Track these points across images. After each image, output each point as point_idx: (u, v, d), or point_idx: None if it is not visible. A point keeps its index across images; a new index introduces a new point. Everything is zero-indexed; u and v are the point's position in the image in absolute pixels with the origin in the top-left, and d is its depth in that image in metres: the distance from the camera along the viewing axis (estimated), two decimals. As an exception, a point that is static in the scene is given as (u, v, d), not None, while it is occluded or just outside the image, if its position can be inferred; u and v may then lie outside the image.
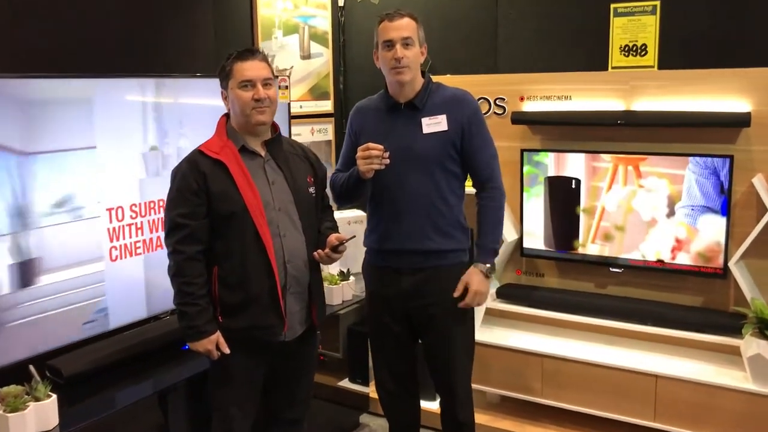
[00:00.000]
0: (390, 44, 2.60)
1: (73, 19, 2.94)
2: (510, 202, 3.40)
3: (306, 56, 4.02)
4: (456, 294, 2.69)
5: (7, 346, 2.44)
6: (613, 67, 3.53)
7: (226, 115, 2.50)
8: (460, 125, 2.66)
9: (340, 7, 4.22)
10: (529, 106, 3.57)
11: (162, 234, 2.65)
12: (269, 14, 3.75)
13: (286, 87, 3.54)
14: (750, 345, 2.99)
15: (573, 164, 3.42)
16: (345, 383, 3.86)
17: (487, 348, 3.43)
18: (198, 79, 3.04)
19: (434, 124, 2.68)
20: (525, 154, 3.51)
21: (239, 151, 2.42)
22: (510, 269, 3.73)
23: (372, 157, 2.55)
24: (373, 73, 3.88)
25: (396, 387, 2.90)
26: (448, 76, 3.79)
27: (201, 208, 2.37)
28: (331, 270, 3.77)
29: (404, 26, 2.61)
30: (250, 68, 2.40)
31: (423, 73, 2.73)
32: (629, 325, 3.27)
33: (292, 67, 3.90)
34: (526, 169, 3.51)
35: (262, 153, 2.48)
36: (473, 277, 2.68)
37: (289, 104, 3.56)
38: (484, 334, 3.50)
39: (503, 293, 3.60)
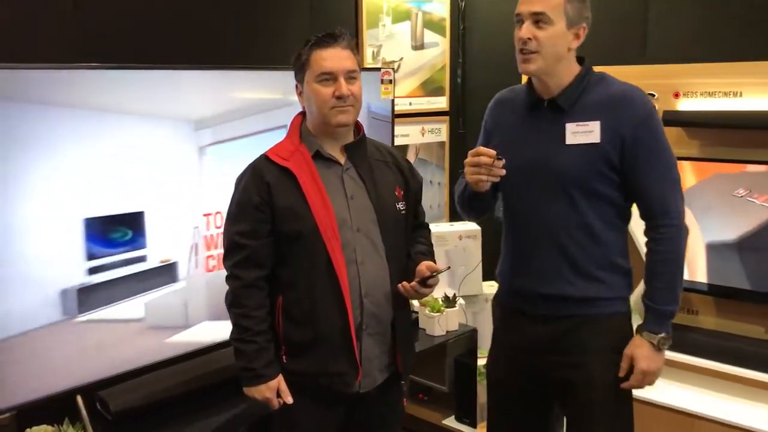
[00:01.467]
0: (519, 20, 1.96)
1: (162, 9, 2.63)
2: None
3: (419, 46, 3.53)
4: (621, 374, 2.02)
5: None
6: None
7: (302, 114, 2.06)
8: (619, 136, 1.96)
9: (461, -10, 3.70)
10: (685, 105, 2.90)
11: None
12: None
13: (390, 81, 3.07)
14: None
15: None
16: (450, 421, 3.36)
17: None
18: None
19: (582, 132, 1.98)
20: (678, 163, 2.85)
21: (313, 157, 1.98)
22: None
23: (481, 165, 1.98)
24: (498, 65, 3.36)
25: None
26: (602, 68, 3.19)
27: (264, 226, 1.95)
28: (434, 293, 3.28)
29: None
30: (331, 57, 1.94)
31: (581, 61, 2.04)
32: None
33: (401, 59, 3.43)
34: (679, 181, 2.85)
35: (341, 160, 2.03)
36: (638, 350, 2.00)
37: (392, 101, 3.10)
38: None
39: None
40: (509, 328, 2.20)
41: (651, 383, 2.04)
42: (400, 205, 2.09)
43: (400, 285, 2.02)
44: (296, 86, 2.02)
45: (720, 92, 2.80)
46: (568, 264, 2.03)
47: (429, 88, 3.61)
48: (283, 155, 1.97)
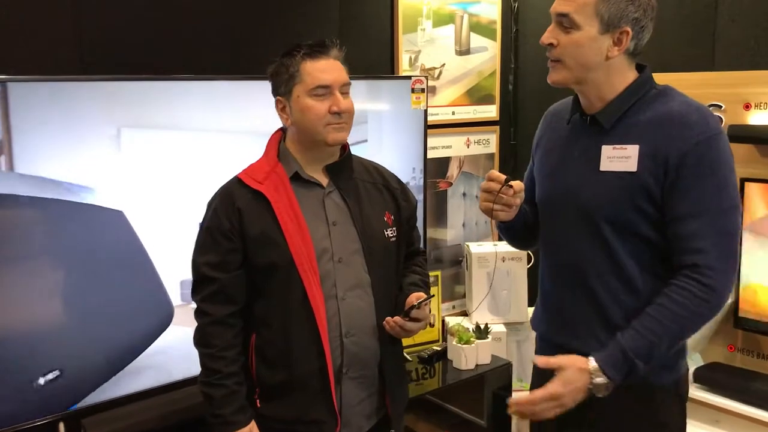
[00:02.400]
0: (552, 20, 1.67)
1: (185, 19, 2.50)
2: None
3: (464, 51, 3.26)
4: (539, 362, 1.64)
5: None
6: None
7: (281, 130, 1.86)
8: (662, 166, 1.60)
9: (514, -11, 3.41)
10: (757, 118, 2.52)
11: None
12: (416, 2, 3.05)
13: (422, 90, 2.83)
14: None
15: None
16: (489, 457, 3.10)
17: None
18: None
19: (618, 158, 1.65)
20: (747, 185, 2.47)
21: (291, 179, 1.78)
22: (720, 342, 2.70)
23: (491, 191, 1.72)
24: None
25: None
26: (663, 75, 2.84)
27: (234, 257, 1.76)
28: (465, 322, 3.02)
29: None
30: (327, 69, 1.75)
31: (641, 69, 1.70)
32: None
33: (443, 65, 3.17)
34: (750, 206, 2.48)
35: (324, 182, 1.82)
36: (571, 372, 1.58)
37: (425, 111, 2.86)
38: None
39: (705, 377, 2.58)
40: (540, 379, 1.75)
41: (548, 414, 1.58)
42: (389, 232, 1.86)
43: (384, 321, 1.80)
44: (277, 101, 1.80)
45: (798, 104, 2.41)
46: (598, 315, 1.70)
47: (476, 96, 3.33)
48: (258, 177, 1.77)
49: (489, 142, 3.43)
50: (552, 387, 1.56)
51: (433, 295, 1.87)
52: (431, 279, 2.93)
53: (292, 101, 1.75)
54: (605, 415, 1.69)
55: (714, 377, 2.58)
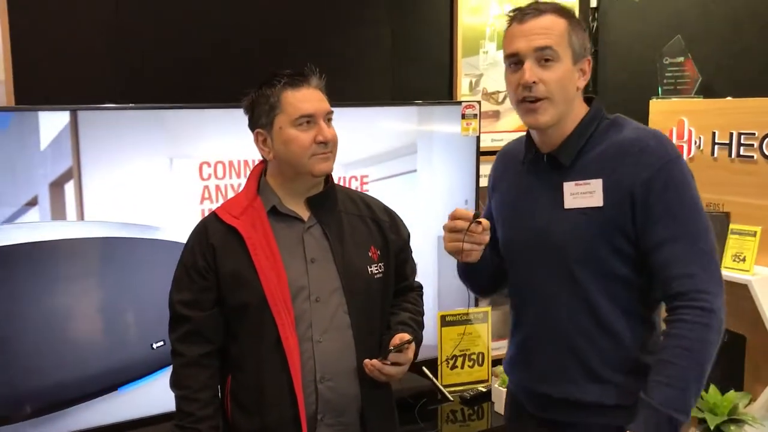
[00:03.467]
0: (516, 60, 1.55)
1: (237, 49, 2.55)
2: None
3: (533, 75, 3.09)
4: None
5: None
6: None
7: (263, 162, 1.79)
8: (628, 197, 1.52)
9: (593, 8, 3.19)
10: None
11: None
12: (477, 23, 2.93)
13: (474, 116, 2.70)
14: None
15: None
16: None
17: None
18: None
19: (582, 194, 1.57)
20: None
21: (270, 213, 1.71)
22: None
23: (458, 230, 1.61)
24: (635, 93, 2.86)
25: None
26: (728, 99, 2.58)
27: (208, 295, 1.71)
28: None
29: (541, 29, 1.53)
30: (309, 99, 1.68)
31: (589, 101, 1.63)
32: None
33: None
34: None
35: (305, 216, 1.74)
36: None
37: (478, 138, 2.72)
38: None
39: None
40: (511, 418, 1.82)
41: None
42: (375, 268, 1.75)
43: (365, 365, 1.69)
44: (257, 134, 1.72)
45: None
46: (576, 362, 1.59)
47: (548, 122, 3.14)
48: (234, 212, 1.71)
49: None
50: None
51: (413, 339, 1.73)
52: (480, 314, 2.79)
53: (274, 133, 1.68)
54: None
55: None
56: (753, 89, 2.52)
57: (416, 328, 1.81)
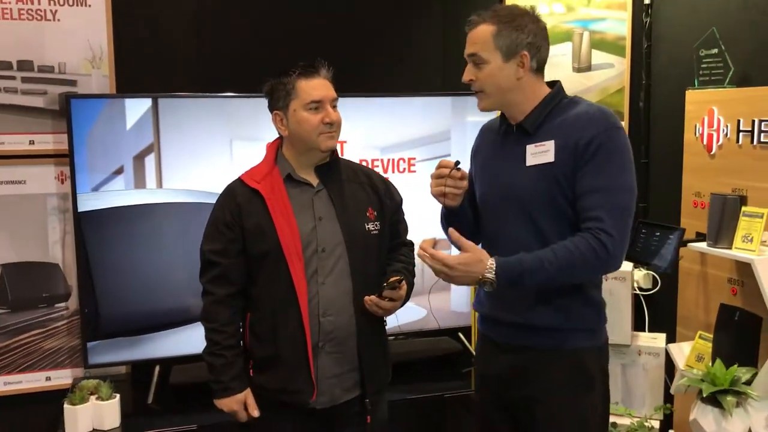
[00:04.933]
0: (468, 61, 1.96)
1: (295, 41, 2.98)
2: None
3: (583, 68, 3.26)
4: (452, 235, 1.88)
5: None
6: None
7: (280, 139, 2.16)
8: (572, 153, 1.87)
9: (646, 5, 3.30)
10: None
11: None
12: (526, 20, 3.16)
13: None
14: None
15: None
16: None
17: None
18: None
19: (539, 153, 1.92)
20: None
21: (285, 180, 2.09)
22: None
23: (443, 176, 1.98)
24: (682, 84, 2.99)
25: None
26: (754, 88, 2.66)
27: (234, 245, 2.08)
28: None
29: (473, 39, 1.94)
30: (318, 87, 2.06)
31: (553, 84, 1.99)
32: None
33: (558, 82, 3.21)
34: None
35: (314, 182, 2.10)
36: (474, 254, 1.84)
37: (514, 127, 2.96)
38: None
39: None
40: (481, 357, 2.15)
41: (436, 275, 1.86)
42: (371, 226, 2.11)
43: (365, 300, 2.05)
44: (275, 114, 2.10)
45: None
46: (534, 292, 1.93)
47: (599, 114, 3.30)
48: (256, 178, 2.09)
49: (615, 160, 3.36)
50: (453, 259, 1.83)
51: (402, 278, 2.05)
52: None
53: (289, 114, 2.05)
54: (543, 375, 1.94)
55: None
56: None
57: (407, 274, 2.15)
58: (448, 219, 2.09)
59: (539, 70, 1.95)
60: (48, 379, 2.82)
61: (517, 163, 1.95)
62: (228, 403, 2.08)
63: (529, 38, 1.90)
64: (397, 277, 2.03)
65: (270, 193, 2.06)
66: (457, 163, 1.96)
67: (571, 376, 1.93)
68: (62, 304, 2.81)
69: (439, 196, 2.00)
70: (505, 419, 2.07)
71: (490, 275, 1.82)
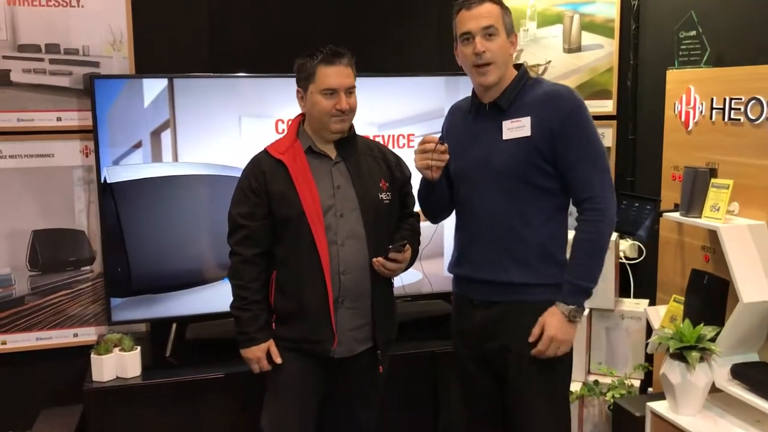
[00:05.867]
0: (468, 37, 2.16)
1: (298, 25, 3.22)
2: (758, 243, 2.51)
3: (573, 49, 3.45)
4: (531, 339, 2.16)
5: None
6: None
7: (302, 115, 2.38)
8: (548, 129, 2.13)
9: (634, -12, 3.47)
10: (811, 111, 2.42)
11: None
12: (518, 5, 3.35)
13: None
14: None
15: None
16: None
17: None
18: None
19: (516, 128, 2.15)
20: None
21: (306, 152, 2.31)
22: (777, 343, 2.61)
23: (427, 151, 2.20)
24: (665, 64, 3.16)
25: None
26: (726, 68, 2.83)
27: (261, 209, 2.30)
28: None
29: (484, 13, 2.14)
30: (335, 75, 2.25)
31: (518, 67, 2.23)
32: None
33: (548, 62, 3.42)
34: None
35: (332, 155, 2.33)
36: (550, 318, 2.16)
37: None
38: (699, 422, 2.54)
39: (743, 374, 2.54)
40: (458, 314, 2.39)
41: (559, 352, 2.17)
42: (384, 195, 2.33)
43: (373, 261, 2.27)
44: (298, 91, 2.30)
45: None
46: (506, 252, 2.18)
47: (589, 91, 3.50)
48: (280, 150, 2.30)
49: (604, 137, 3.54)
50: (548, 337, 2.13)
51: (406, 242, 2.29)
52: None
53: (308, 95, 2.26)
54: (513, 326, 2.20)
55: (751, 375, 2.52)
56: (761, 57, 2.76)
57: (412, 240, 2.39)
58: (427, 191, 2.32)
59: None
60: (75, 335, 3.09)
61: (494, 137, 2.17)
62: (253, 352, 2.31)
63: (513, 22, 2.17)
64: (403, 242, 2.26)
65: (293, 163, 2.27)
66: (441, 138, 2.18)
67: (531, 326, 2.16)
68: (87, 268, 3.07)
69: (425, 169, 2.20)
70: (482, 370, 2.31)
71: (577, 315, 2.16)
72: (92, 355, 2.70)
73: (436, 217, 2.47)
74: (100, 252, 3.04)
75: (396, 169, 2.40)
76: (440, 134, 2.30)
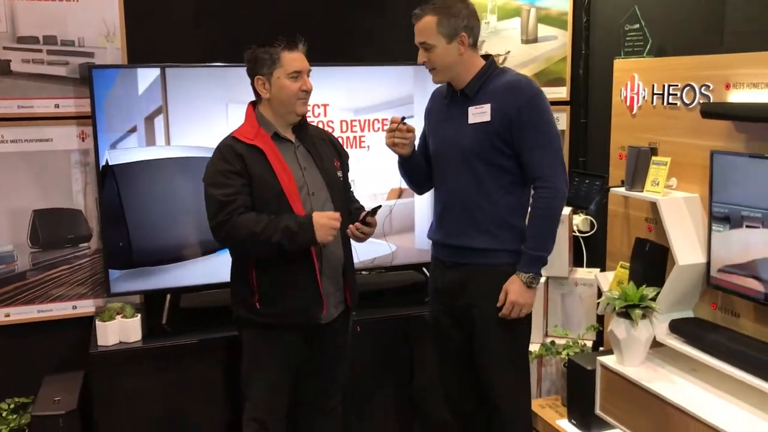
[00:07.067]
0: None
1: (271, 20, 3.47)
2: (692, 213, 2.83)
3: (530, 40, 3.76)
4: (498, 304, 2.47)
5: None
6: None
7: (253, 103, 2.53)
8: (507, 116, 2.43)
9: (586, -16, 3.80)
10: (736, 96, 2.75)
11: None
12: (480, -1, 3.65)
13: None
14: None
15: None
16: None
17: (639, 389, 2.81)
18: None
19: (479, 114, 2.45)
20: (716, 156, 2.73)
21: (272, 137, 2.48)
22: (707, 300, 2.96)
23: (393, 130, 2.51)
24: (613, 55, 3.47)
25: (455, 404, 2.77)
26: (665, 58, 3.17)
27: (245, 189, 2.39)
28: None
29: (419, 30, 2.45)
30: (299, 59, 2.47)
31: (487, 58, 2.52)
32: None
33: (508, 52, 3.72)
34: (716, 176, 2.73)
35: (293, 139, 2.55)
36: (511, 285, 2.46)
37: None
38: (642, 372, 2.87)
39: (680, 328, 2.88)
40: (433, 274, 2.71)
41: (522, 313, 2.51)
42: (339, 173, 2.59)
43: (350, 226, 2.50)
44: (257, 79, 2.44)
45: (763, 83, 2.62)
46: (470, 222, 2.48)
47: (545, 79, 3.82)
48: (249, 136, 2.45)
49: (558, 121, 3.87)
50: (510, 302, 2.45)
51: (381, 205, 2.56)
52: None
53: (273, 81, 2.43)
54: (478, 286, 2.51)
55: (686, 329, 2.86)
56: (697, 49, 3.08)
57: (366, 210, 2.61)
58: (403, 166, 2.63)
59: (475, 45, 2.46)
60: (74, 307, 3.31)
61: (461, 121, 2.47)
62: (319, 227, 2.35)
63: (465, 21, 2.40)
64: (378, 206, 2.52)
65: (266, 148, 2.44)
66: (403, 118, 2.48)
67: (498, 286, 2.48)
68: (85, 244, 3.30)
69: (391, 146, 2.52)
70: (452, 324, 2.62)
71: (534, 281, 2.46)
72: (97, 322, 2.94)
73: (419, 189, 2.80)
74: (97, 229, 3.26)
75: (341, 151, 2.67)
76: (404, 116, 2.54)
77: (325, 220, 2.35)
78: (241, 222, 2.34)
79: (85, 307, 3.32)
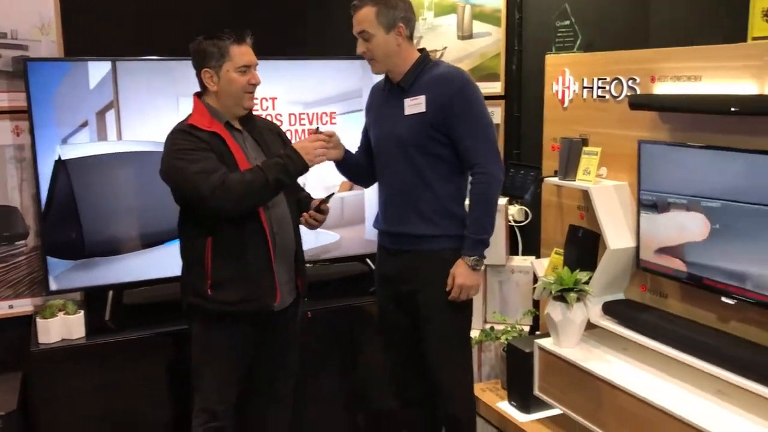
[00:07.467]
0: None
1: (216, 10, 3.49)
2: (622, 200, 2.96)
3: (466, 36, 3.87)
4: (447, 288, 2.56)
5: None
6: (753, 38, 2.66)
7: (198, 95, 2.53)
8: (440, 106, 2.50)
9: (518, -18, 3.92)
10: (661, 88, 2.91)
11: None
12: (417, -5, 3.73)
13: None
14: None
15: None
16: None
17: (575, 369, 2.95)
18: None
19: (414, 105, 2.53)
20: (643, 146, 2.89)
21: (225, 126, 2.52)
22: (636, 283, 3.12)
23: (316, 140, 2.50)
24: (544, 50, 3.59)
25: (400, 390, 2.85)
26: (594, 54, 3.31)
27: (218, 163, 2.38)
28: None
29: (358, 20, 2.51)
30: (248, 53, 2.49)
31: (421, 51, 2.61)
32: (748, 383, 2.39)
33: (444, 48, 3.82)
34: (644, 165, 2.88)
35: (241, 129, 2.59)
36: (457, 269, 2.55)
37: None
38: (578, 353, 3.01)
39: (612, 310, 3.03)
40: (378, 261, 2.79)
41: (469, 295, 2.63)
42: None
43: (304, 214, 2.57)
44: (204, 72, 2.45)
45: (685, 76, 2.79)
46: (411, 210, 2.56)
47: (480, 74, 3.93)
48: (205, 124, 2.45)
49: (494, 114, 3.99)
50: (458, 285, 2.54)
51: (334, 193, 2.67)
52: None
53: (222, 74, 2.45)
54: (420, 271, 2.61)
55: (618, 310, 3.01)
56: (625, 44, 3.25)
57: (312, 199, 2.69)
58: (341, 166, 2.72)
59: (411, 38, 2.55)
60: (11, 307, 3.24)
61: (398, 113, 2.55)
62: (305, 152, 2.42)
63: (402, 13, 2.48)
64: (331, 193, 2.60)
65: (225, 134, 2.46)
66: (317, 128, 2.54)
67: (441, 271, 2.57)
68: (21, 242, 3.23)
69: (321, 156, 2.50)
70: (397, 309, 2.70)
71: (479, 264, 2.54)
72: (38, 319, 2.89)
73: (364, 183, 2.89)
74: (34, 227, 3.20)
75: (286, 140, 2.73)
76: (317, 126, 2.69)
77: (306, 143, 2.45)
78: (232, 180, 2.34)
79: (22, 306, 3.25)
